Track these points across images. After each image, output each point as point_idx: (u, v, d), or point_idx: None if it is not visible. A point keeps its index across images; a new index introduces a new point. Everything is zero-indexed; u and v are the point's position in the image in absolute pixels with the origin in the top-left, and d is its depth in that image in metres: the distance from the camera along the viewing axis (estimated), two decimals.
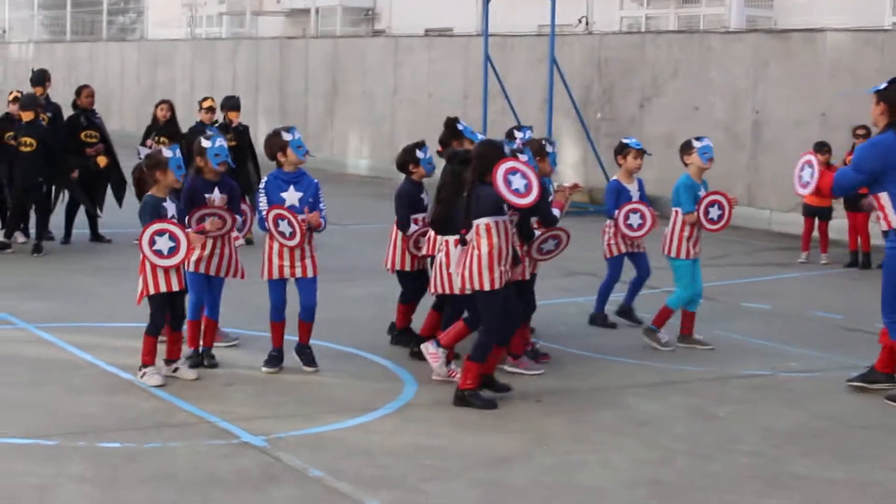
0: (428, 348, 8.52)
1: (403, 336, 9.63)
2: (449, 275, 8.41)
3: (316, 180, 8.72)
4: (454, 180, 8.38)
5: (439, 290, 8.60)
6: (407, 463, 6.87)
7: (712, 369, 9.35)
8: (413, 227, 9.33)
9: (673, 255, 9.89)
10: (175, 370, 8.47)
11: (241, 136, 14.84)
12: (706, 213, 9.73)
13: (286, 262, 8.60)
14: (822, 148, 14.29)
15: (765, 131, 19.28)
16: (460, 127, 9.75)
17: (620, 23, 26.65)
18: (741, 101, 19.86)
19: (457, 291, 8.26)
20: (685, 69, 20.86)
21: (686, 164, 9.92)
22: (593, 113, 22.13)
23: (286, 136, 8.60)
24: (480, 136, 9.84)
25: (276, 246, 8.58)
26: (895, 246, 8.30)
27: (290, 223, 8.46)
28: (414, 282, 9.55)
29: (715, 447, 7.32)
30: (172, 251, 8.11)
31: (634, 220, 10.40)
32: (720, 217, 9.78)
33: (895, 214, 8.25)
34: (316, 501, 6.28)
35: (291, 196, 8.60)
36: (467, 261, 7.97)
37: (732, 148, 18.93)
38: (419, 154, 9.59)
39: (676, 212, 9.88)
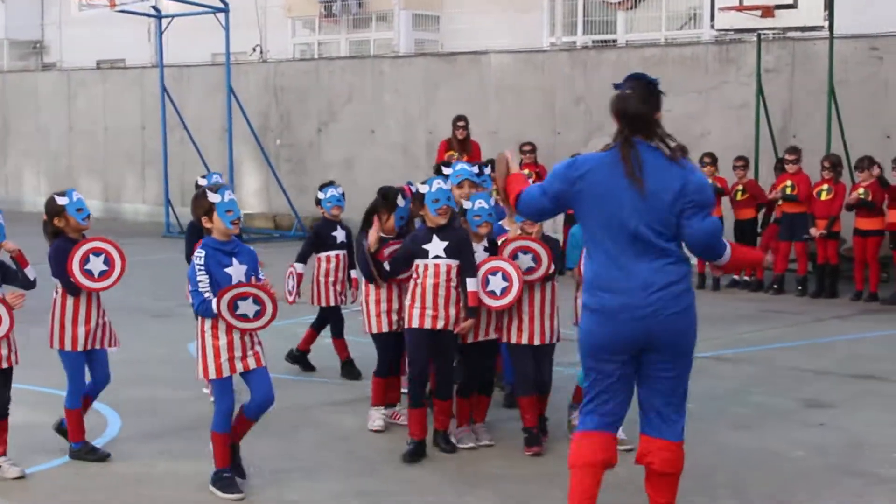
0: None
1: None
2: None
3: (252, 248, 7.32)
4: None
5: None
6: (120, 496, 7.04)
7: None
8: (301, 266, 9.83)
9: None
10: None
11: None
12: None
13: (237, 353, 6.95)
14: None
15: None
16: (447, 171, 8.72)
17: (293, 49, 27.08)
18: (415, 123, 20.65)
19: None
20: (359, 94, 21.50)
21: None
22: (272, 140, 22.50)
23: (213, 198, 6.96)
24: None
25: (222, 337, 6.91)
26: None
27: (255, 299, 6.85)
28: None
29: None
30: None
31: None
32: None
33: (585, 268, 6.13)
34: None
35: (237, 271, 7.00)
36: None
37: (409, 168, 19.63)
38: (319, 195, 10.03)
39: None
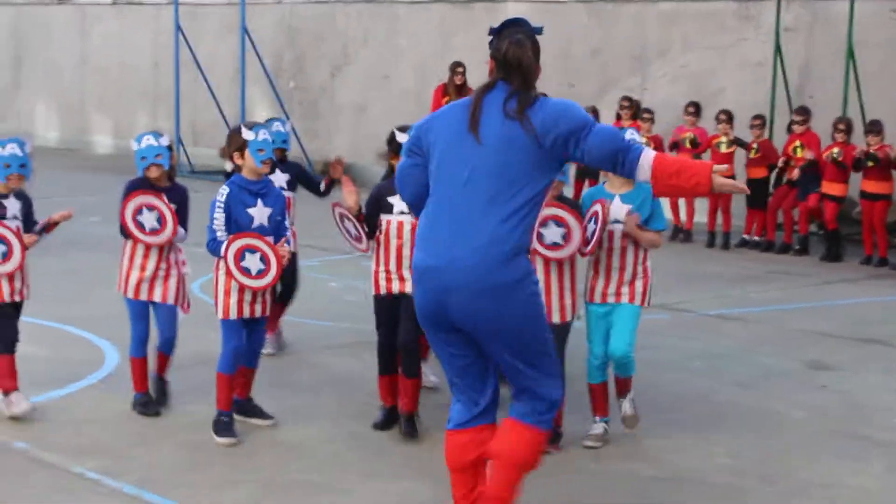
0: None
1: None
2: None
3: (283, 193, 7.17)
4: None
5: None
6: (113, 430, 7.04)
7: None
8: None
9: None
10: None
11: None
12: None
13: (247, 297, 6.90)
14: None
15: None
16: None
17: None
18: (429, 70, 20.48)
19: None
20: (374, 38, 21.33)
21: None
22: (286, 82, 22.36)
23: (246, 135, 6.88)
24: None
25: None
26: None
27: (263, 257, 6.77)
28: None
29: None
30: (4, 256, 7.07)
31: None
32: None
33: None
34: (22, 472, 6.38)
35: (260, 213, 6.90)
36: None
37: (422, 115, 19.42)
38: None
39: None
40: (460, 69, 16.53)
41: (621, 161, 4.98)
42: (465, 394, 5.22)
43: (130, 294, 7.30)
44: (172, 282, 7.33)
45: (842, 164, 13.88)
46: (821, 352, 9.57)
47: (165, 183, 7.32)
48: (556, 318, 6.88)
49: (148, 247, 7.23)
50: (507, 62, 5.08)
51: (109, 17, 25.71)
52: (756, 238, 15.14)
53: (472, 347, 5.09)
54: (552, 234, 6.74)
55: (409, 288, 6.87)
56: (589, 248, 6.82)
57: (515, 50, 5.09)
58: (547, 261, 6.83)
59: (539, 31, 5.22)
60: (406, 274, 6.97)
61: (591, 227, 6.80)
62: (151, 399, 7.45)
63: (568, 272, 6.94)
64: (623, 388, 7.18)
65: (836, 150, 13.96)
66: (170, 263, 7.32)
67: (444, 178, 5.02)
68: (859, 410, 7.97)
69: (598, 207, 6.81)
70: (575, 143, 4.94)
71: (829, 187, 14.12)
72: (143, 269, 7.25)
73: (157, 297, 7.30)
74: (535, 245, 6.68)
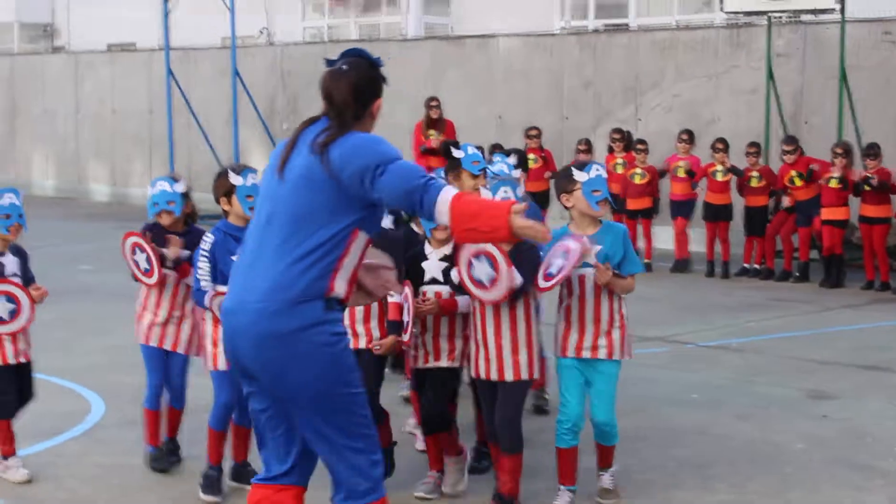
0: None
1: None
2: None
3: None
4: None
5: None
6: (95, 484, 6.87)
7: None
8: None
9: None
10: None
11: None
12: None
13: None
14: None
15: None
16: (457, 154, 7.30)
17: (303, 33, 26.85)
18: (422, 107, 20.39)
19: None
20: None
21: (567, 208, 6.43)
22: (279, 124, 22.30)
23: (234, 179, 6.56)
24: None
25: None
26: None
27: None
28: None
29: None
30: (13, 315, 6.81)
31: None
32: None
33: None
34: None
35: None
36: None
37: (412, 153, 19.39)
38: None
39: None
40: (434, 103, 16.67)
41: (418, 201, 4.48)
42: (272, 451, 4.80)
43: (142, 339, 7.07)
44: (185, 328, 7.06)
45: (882, 185, 13.62)
46: (821, 380, 9.41)
47: (181, 228, 7.06)
48: (494, 375, 6.26)
49: (160, 291, 6.99)
50: (323, 94, 4.76)
51: (102, 63, 25.69)
52: (756, 266, 14.99)
53: (273, 399, 4.69)
54: (480, 271, 6.05)
55: (362, 343, 6.57)
56: (548, 284, 6.09)
57: (328, 82, 4.74)
58: (496, 309, 6.20)
59: (378, 62, 4.87)
60: (360, 329, 6.62)
61: (557, 261, 6.05)
62: (164, 454, 7.15)
63: (523, 322, 6.26)
64: (604, 459, 6.53)
65: (837, 174, 13.83)
66: (184, 311, 7.04)
67: (254, 219, 4.77)
68: (861, 440, 7.80)
69: (570, 244, 6.03)
70: (370, 181, 4.51)
71: (830, 213, 13.97)
72: (155, 314, 7.00)
73: (167, 345, 7.04)
74: (464, 275, 6.15)
